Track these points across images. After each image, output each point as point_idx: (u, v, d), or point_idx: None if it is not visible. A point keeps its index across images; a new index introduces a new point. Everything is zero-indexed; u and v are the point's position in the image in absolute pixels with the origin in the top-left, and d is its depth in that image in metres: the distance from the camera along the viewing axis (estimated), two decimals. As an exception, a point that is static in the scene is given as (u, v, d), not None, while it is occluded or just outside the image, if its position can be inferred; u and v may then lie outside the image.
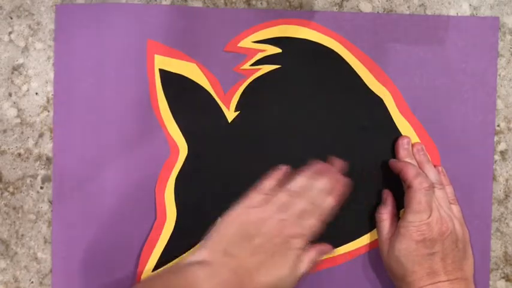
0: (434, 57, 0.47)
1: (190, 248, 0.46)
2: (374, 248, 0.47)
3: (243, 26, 0.47)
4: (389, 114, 0.47)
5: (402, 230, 0.42)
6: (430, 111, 0.47)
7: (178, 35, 0.46)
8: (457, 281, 0.41)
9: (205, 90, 0.47)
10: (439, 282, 0.41)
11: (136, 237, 0.46)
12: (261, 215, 0.42)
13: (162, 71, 0.46)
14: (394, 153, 0.47)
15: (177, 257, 0.46)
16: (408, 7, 0.47)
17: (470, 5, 0.48)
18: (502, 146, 0.48)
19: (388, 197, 0.46)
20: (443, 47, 0.47)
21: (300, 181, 0.44)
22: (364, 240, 0.47)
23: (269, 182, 0.45)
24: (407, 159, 0.45)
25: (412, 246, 0.41)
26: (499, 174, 0.48)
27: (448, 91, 0.47)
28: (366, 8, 0.47)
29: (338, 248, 0.47)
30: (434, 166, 0.46)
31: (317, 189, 0.43)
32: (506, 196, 0.48)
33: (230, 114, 0.47)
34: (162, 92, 0.46)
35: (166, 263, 0.46)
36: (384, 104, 0.47)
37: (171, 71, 0.46)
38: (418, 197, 0.42)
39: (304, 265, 0.43)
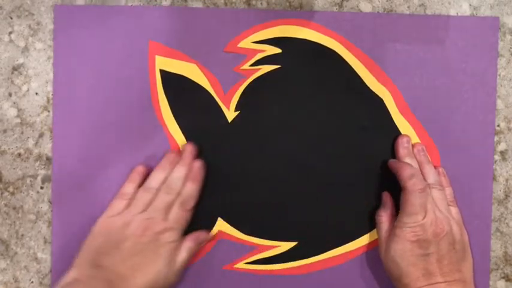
0: (434, 57, 0.47)
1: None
2: (374, 248, 0.47)
3: (243, 26, 0.47)
4: (390, 114, 0.47)
5: (397, 231, 0.42)
6: (430, 111, 0.47)
7: (178, 36, 0.47)
8: (455, 282, 0.41)
9: (206, 90, 0.47)
10: (436, 283, 0.41)
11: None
12: (124, 219, 0.43)
13: (162, 72, 0.47)
14: (394, 153, 0.47)
15: None
16: (408, 7, 0.47)
17: (470, 5, 0.48)
18: (502, 146, 0.48)
19: (387, 199, 0.46)
20: (443, 47, 0.47)
21: (156, 176, 0.44)
22: (364, 240, 0.47)
23: (127, 186, 0.45)
24: (407, 159, 0.45)
25: (407, 247, 0.41)
26: (499, 174, 0.48)
27: (448, 91, 0.47)
28: (366, 8, 0.47)
29: (338, 248, 0.47)
30: (435, 167, 0.46)
31: (174, 179, 0.44)
32: (506, 196, 0.48)
33: (230, 114, 0.47)
34: (163, 92, 0.46)
35: None
36: (384, 104, 0.47)
37: (172, 71, 0.47)
38: (411, 199, 0.42)
39: (181, 256, 0.43)
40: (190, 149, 0.46)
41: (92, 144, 0.46)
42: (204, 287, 0.46)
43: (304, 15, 0.47)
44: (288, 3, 0.47)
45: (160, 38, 0.47)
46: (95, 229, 0.43)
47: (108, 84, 0.46)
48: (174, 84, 0.47)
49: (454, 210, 0.45)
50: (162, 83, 0.47)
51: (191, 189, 0.44)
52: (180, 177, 0.44)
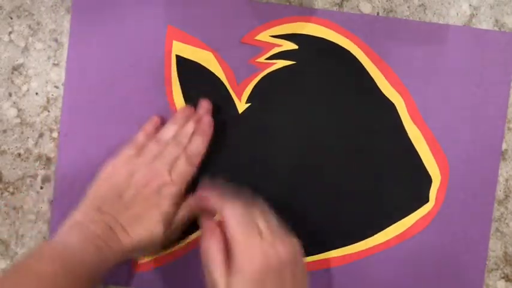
0: (450, 68, 0.47)
1: (191, 233, 0.46)
2: (374, 252, 0.47)
3: (262, 19, 0.46)
4: (401, 120, 0.47)
5: None
6: (441, 120, 0.47)
7: (197, 23, 0.46)
8: None
9: (219, 79, 0.47)
10: None
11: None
12: (130, 168, 0.43)
13: (178, 57, 0.47)
14: (401, 159, 0.46)
15: (178, 241, 0.46)
16: (408, 7, 0.47)
17: (470, 5, 0.48)
18: (502, 146, 0.48)
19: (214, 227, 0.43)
20: (461, 58, 0.47)
21: (169, 129, 0.44)
22: (365, 243, 0.47)
23: (139, 136, 0.45)
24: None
25: None
26: (499, 174, 0.48)
27: (461, 102, 0.47)
28: (366, 8, 0.47)
29: (337, 250, 0.47)
30: None
31: (184, 133, 0.44)
32: (506, 196, 0.48)
33: (241, 106, 0.47)
34: (177, 77, 0.46)
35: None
36: (395, 109, 0.47)
37: (188, 57, 0.47)
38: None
39: (180, 213, 0.43)
40: (205, 106, 0.45)
41: (102, 126, 0.46)
42: (201, 285, 0.46)
43: (324, 14, 0.47)
44: (287, 3, 0.47)
45: (179, 23, 0.46)
46: (101, 174, 0.43)
47: (122, 66, 0.46)
48: (188, 70, 0.47)
49: None
50: (177, 68, 0.47)
51: (197, 143, 0.44)
52: (190, 132, 0.44)
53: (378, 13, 0.47)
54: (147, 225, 0.41)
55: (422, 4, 0.47)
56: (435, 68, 0.47)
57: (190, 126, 0.44)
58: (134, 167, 0.43)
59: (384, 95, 0.47)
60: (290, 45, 0.47)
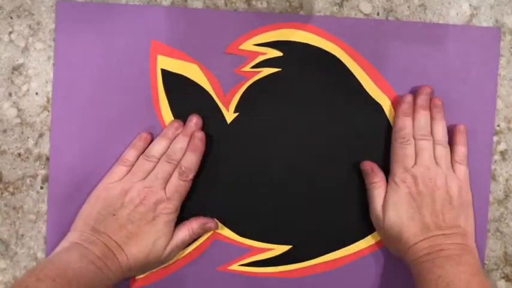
0: (435, 65, 0.47)
1: (187, 246, 0.46)
2: (369, 253, 0.47)
3: (244, 28, 0.47)
4: (388, 120, 0.47)
5: (392, 184, 0.44)
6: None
7: (180, 36, 0.47)
8: (453, 235, 0.42)
9: (206, 91, 0.47)
10: (433, 236, 0.41)
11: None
12: (123, 186, 0.43)
13: (164, 71, 0.47)
14: (390, 159, 0.46)
15: None
16: (408, 7, 0.47)
17: (470, 5, 0.48)
18: (502, 146, 0.48)
19: (371, 166, 0.45)
20: (445, 56, 0.47)
21: (157, 144, 0.44)
22: (360, 245, 0.47)
23: (129, 152, 0.45)
24: (421, 110, 0.45)
25: (403, 198, 0.43)
26: (499, 174, 0.48)
27: (448, 99, 0.46)
28: (366, 8, 0.47)
29: (333, 253, 0.47)
30: (455, 125, 0.46)
31: (175, 148, 0.44)
32: (506, 196, 0.48)
33: (229, 116, 0.47)
34: (164, 91, 0.46)
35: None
36: (383, 110, 0.47)
37: (173, 71, 0.47)
38: (394, 148, 0.44)
39: (182, 234, 0.43)
40: (195, 120, 0.45)
41: (91, 143, 0.46)
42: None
43: (306, 19, 0.47)
44: (288, 3, 0.47)
45: (163, 37, 0.47)
46: (94, 194, 0.43)
47: (108, 81, 0.46)
48: (174, 83, 0.47)
49: (461, 169, 0.45)
50: (163, 82, 0.47)
51: (191, 159, 0.44)
52: (181, 148, 0.44)
53: (378, 13, 0.47)
54: (144, 244, 0.41)
55: (423, 4, 0.47)
56: (421, 67, 0.47)
57: (181, 141, 0.44)
58: (127, 185, 0.43)
59: (371, 96, 0.47)
60: (274, 53, 0.47)
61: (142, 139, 0.45)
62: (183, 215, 0.46)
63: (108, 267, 0.40)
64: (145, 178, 0.43)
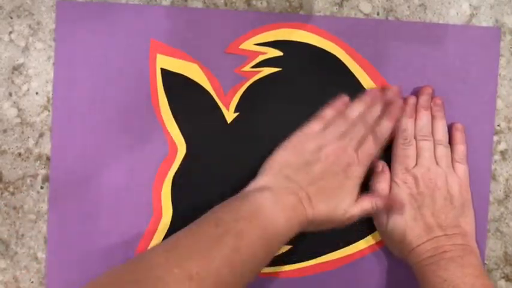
0: (435, 65, 0.47)
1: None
2: (369, 253, 0.47)
3: (245, 28, 0.47)
4: None
5: (393, 185, 0.44)
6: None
7: (180, 36, 0.47)
8: (454, 235, 0.42)
9: (206, 90, 0.47)
10: (436, 237, 0.42)
11: (133, 234, 0.46)
12: (320, 142, 0.43)
13: (163, 70, 0.47)
14: (390, 160, 0.46)
15: None
16: (408, 7, 0.47)
17: (470, 5, 0.48)
18: (502, 146, 0.48)
19: (384, 166, 0.45)
20: (444, 55, 0.47)
21: (357, 108, 0.44)
22: (360, 245, 0.47)
23: (328, 111, 0.45)
24: (422, 110, 0.45)
25: (405, 200, 0.43)
26: (499, 174, 0.48)
27: (447, 99, 0.46)
28: (366, 8, 0.47)
29: (333, 253, 0.47)
30: (454, 123, 0.46)
31: (373, 114, 0.44)
32: (506, 196, 0.48)
33: (229, 115, 0.47)
34: (163, 91, 0.46)
35: None
36: None
37: (173, 70, 0.47)
38: (395, 149, 0.45)
39: (366, 203, 0.43)
40: (396, 90, 0.45)
41: (91, 142, 0.46)
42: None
43: (306, 19, 0.47)
44: (288, 3, 0.47)
45: (162, 37, 0.47)
46: (289, 144, 0.43)
47: (108, 81, 0.46)
48: (174, 83, 0.47)
49: (461, 168, 0.45)
50: (163, 81, 0.47)
51: (386, 125, 0.44)
52: (377, 114, 0.44)
53: (378, 13, 0.47)
54: (331, 202, 0.41)
55: (423, 4, 0.47)
56: (421, 67, 0.47)
57: (378, 108, 0.44)
58: (323, 141, 0.43)
59: None
60: (275, 52, 0.47)
61: (343, 102, 0.45)
62: (181, 212, 0.46)
63: (297, 217, 0.40)
64: (340, 138, 0.43)
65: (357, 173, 0.42)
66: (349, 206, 0.42)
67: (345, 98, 0.46)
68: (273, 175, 0.42)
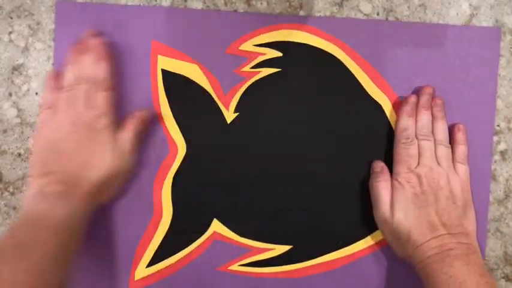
0: (435, 66, 0.47)
1: (185, 246, 0.46)
2: (369, 253, 0.47)
3: (244, 29, 0.47)
4: (388, 120, 0.47)
5: (395, 184, 0.44)
6: None
7: (180, 37, 0.47)
8: (458, 234, 0.42)
9: (206, 91, 0.47)
10: (440, 235, 0.42)
11: (133, 234, 0.46)
12: (53, 127, 0.43)
13: (164, 71, 0.47)
14: (390, 160, 0.46)
15: (171, 254, 0.46)
16: (408, 7, 0.47)
17: (470, 4, 0.48)
18: (502, 146, 0.48)
19: (383, 166, 0.46)
20: (444, 56, 0.47)
21: (68, 73, 0.44)
22: (360, 245, 0.47)
23: (46, 94, 0.45)
24: (423, 109, 0.45)
25: (409, 199, 0.43)
26: (499, 174, 0.48)
27: (447, 100, 0.46)
28: (366, 8, 0.47)
29: (333, 253, 0.47)
30: (455, 124, 0.46)
31: (85, 66, 0.44)
32: (506, 196, 0.48)
33: (229, 115, 0.47)
34: (164, 91, 0.47)
35: (160, 260, 0.46)
36: (382, 110, 0.47)
37: (173, 71, 0.47)
38: (396, 148, 0.45)
39: (126, 136, 0.44)
40: (89, 33, 0.45)
41: None
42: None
43: (306, 20, 0.47)
44: (288, 3, 0.47)
45: (163, 38, 0.47)
46: (34, 149, 0.44)
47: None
48: (175, 84, 0.47)
49: (462, 168, 0.45)
50: (163, 82, 0.47)
51: (100, 68, 0.44)
52: (90, 63, 0.44)
53: (378, 13, 0.47)
54: (97, 163, 0.42)
55: (423, 4, 0.47)
56: (421, 67, 0.47)
57: (86, 58, 0.44)
58: (56, 124, 0.43)
59: (371, 97, 0.47)
60: (274, 53, 0.47)
61: (50, 77, 0.45)
62: (181, 212, 0.46)
63: (72, 198, 0.40)
64: (70, 107, 0.43)
65: (104, 122, 0.43)
66: (119, 154, 0.43)
67: (50, 74, 0.45)
68: (34, 180, 0.42)
